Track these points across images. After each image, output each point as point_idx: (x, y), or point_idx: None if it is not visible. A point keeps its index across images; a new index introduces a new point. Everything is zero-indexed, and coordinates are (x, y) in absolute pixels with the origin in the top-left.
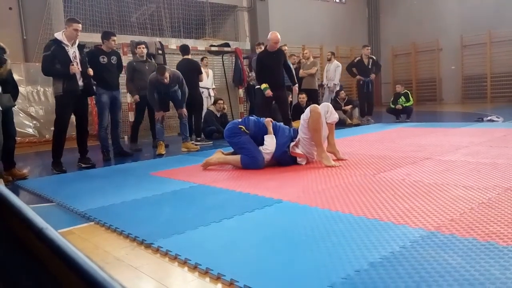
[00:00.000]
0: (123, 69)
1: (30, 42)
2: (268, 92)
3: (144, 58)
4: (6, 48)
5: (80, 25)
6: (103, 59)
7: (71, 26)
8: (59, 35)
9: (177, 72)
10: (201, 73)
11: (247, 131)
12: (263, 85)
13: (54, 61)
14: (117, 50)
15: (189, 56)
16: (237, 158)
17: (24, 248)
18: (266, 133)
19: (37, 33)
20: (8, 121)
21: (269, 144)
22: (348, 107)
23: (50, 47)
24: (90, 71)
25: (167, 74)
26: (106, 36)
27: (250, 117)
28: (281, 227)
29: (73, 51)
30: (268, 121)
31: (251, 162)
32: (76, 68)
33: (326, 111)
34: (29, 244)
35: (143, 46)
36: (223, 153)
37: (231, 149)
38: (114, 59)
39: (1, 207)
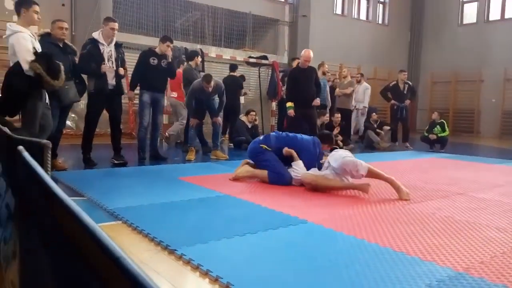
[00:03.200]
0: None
1: (78, 39)
2: (291, 112)
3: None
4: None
5: (116, 24)
6: (153, 61)
7: (107, 25)
8: (96, 35)
9: (219, 82)
10: (242, 88)
11: (268, 148)
12: (288, 104)
13: (89, 60)
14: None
15: (235, 73)
16: (264, 173)
17: (83, 260)
18: (289, 146)
19: (85, 30)
20: (64, 114)
21: (300, 169)
22: (387, 129)
23: (87, 46)
24: (121, 71)
25: (212, 83)
26: (163, 39)
27: (271, 134)
28: (304, 249)
29: (109, 50)
30: (287, 151)
31: (277, 178)
32: (107, 67)
33: (347, 170)
34: (105, 272)
35: (198, 58)
36: (249, 163)
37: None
38: (164, 63)
39: (62, 216)
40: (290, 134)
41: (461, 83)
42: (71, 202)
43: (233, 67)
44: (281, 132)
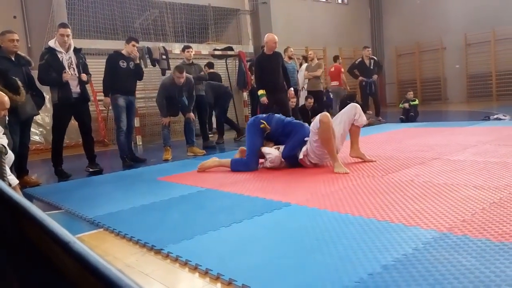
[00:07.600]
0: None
1: (35, 50)
2: (264, 100)
3: (190, 61)
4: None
5: (67, 29)
6: (123, 64)
7: (58, 31)
8: (51, 43)
9: (190, 76)
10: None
11: (268, 126)
12: (260, 91)
13: (49, 70)
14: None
15: (214, 69)
16: (229, 161)
17: (49, 264)
18: (287, 134)
19: (41, 41)
20: (26, 129)
21: (272, 154)
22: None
23: (44, 55)
24: (84, 76)
25: (184, 74)
26: (128, 40)
27: (275, 115)
28: (291, 231)
29: (68, 57)
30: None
31: (242, 166)
32: (68, 75)
33: (355, 113)
34: (55, 259)
35: (191, 49)
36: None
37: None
38: (132, 65)
39: (21, 220)
40: (288, 118)
41: (425, 53)
42: (22, 199)
43: (210, 65)
44: (279, 115)
